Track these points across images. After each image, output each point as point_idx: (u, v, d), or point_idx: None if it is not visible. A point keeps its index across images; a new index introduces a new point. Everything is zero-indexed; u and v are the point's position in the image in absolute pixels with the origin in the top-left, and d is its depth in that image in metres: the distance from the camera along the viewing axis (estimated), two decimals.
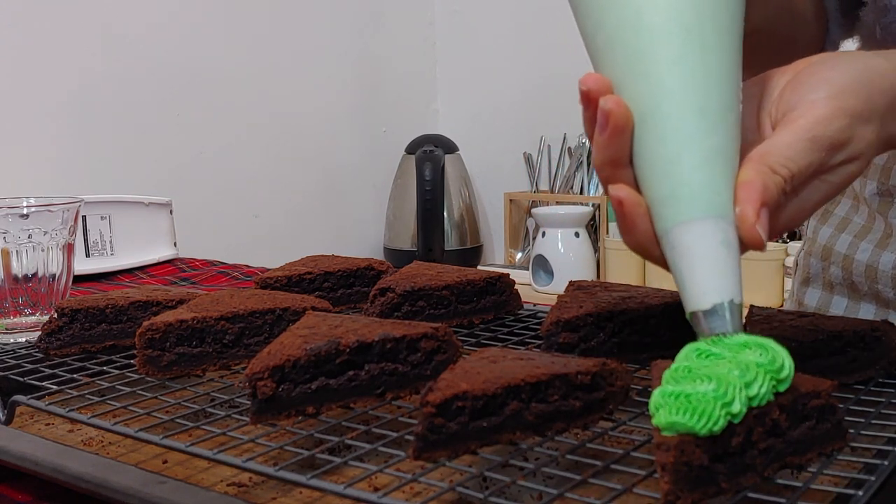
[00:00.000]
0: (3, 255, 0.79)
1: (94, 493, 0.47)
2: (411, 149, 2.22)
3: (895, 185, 0.78)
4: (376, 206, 2.28)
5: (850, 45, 0.76)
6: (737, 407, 0.38)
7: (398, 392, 0.54)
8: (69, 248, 0.83)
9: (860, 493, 0.40)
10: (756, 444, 0.40)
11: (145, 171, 1.73)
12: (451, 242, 2.23)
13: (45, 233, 0.80)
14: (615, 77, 0.46)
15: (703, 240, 0.43)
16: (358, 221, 2.26)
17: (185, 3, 1.82)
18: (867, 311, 0.80)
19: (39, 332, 0.68)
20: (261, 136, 1.99)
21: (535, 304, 0.80)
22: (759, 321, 0.59)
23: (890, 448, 0.45)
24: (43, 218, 0.80)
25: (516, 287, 0.77)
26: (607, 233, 2.05)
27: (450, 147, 2.25)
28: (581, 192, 2.19)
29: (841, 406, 0.45)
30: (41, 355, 0.67)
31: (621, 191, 0.45)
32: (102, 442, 0.57)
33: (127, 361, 0.65)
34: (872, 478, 0.41)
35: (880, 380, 0.56)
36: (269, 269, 0.86)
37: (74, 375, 0.62)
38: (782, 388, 0.40)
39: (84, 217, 1.26)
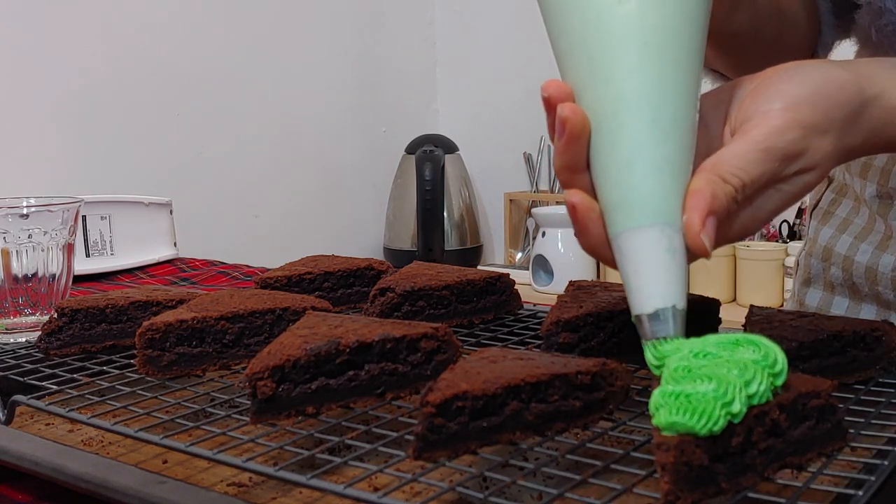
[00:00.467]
0: (3, 255, 0.79)
1: (94, 493, 0.47)
2: (411, 149, 2.22)
3: (895, 187, 0.77)
4: (376, 206, 2.28)
5: (844, 46, 0.76)
6: (737, 407, 0.38)
7: (398, 392, 0.54)
8: (69, 248, 0.83)
9: (860, 493, 0.40)
10: (756, 444, 0.40)
11: (145, 171, 1.73)
12: (451, 242, 2.23)
13: (45, 233, 0.80)
14: (576, 83, 0.47)
15: (649, 246, 0.44)
16: (358, 221, 2.26)
17: (185, 3, 1.82)
18: (868, 312, 0.80)
19: (39, 332, 0.68)
20: (261, 136, 1.99)
21: (535, 304, 0.80)
22: (759, 321, 0.59)
23: (890, 448, 0.45)
24: (43, 218, 0.80)
25: (516, 287, 0.77)
26: None
27: (450, 147, 2.25)
28: None
29: (841, 406, 0.45)
30: (41, 355, 0.67)
31: (575, 196, 0.46)
32: (102, 442, 0.57)
33: (127, 361, 0.65)
34: (872, 478, 0.41)
35: (880, 380, 0.56)
36: (269, 269, 0.86)
37: (74, 375, 0.62)
38: (779, 383, 0.41)
39: (84, 217, 1.26)
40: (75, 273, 0.86)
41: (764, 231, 1.98)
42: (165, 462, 0.52)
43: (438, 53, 2.46)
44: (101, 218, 1.29)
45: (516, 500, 0.46)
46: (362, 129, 2.25)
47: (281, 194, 2.05)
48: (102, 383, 0.60)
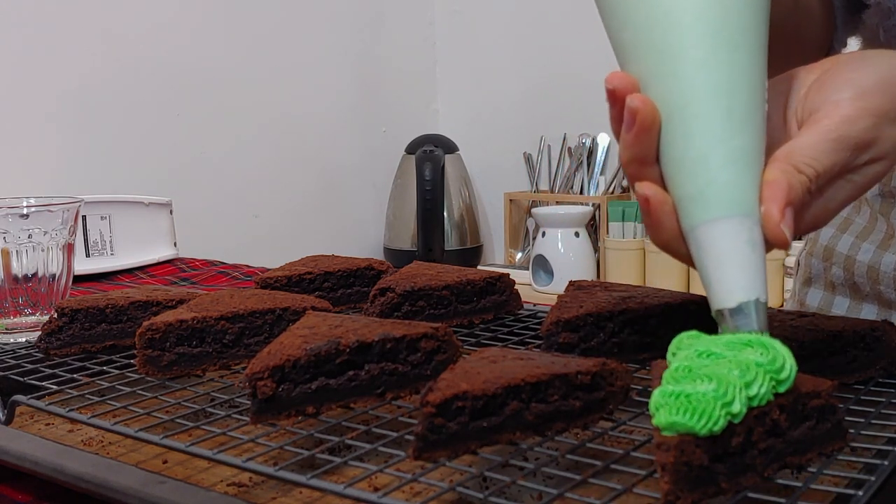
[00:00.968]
0: (3, 255, 0.79)
1: (94, 493, 0.47)
2: (411, 149, 2.22)
3: None
4: (376, 206, 2.28)
5: (854, 44, 0.76)
6: (737, 407, 0.38)
7: (398, 392, 0.54)
8: (69, 248, 0.83)
9: (860, 493, 0.40)
10: (756, 444, 0.40)
11: (145, 171, 1.73)
12: (451, 242, 2.23)
13: (45, 233, 0.80)
14: (642, 75, 0.46)
15: (729, 238, 0.44)
16: (358, 221, 2.26)
17: (185, 3, 1.82)
18: (869, 312, 0.80)
19: (39, 332, 0.68)
20: (261, 136, 1.99)
21: (535, 304, 0.80)
22: None
23: (890, 448, 0.45)
24: (43, 218, 0.80)
25: (516, 287, 0.77)
26: (607, 233, 2.05)
27: (450, 147, 2.25)
28: (581, 192, 2.19)
29: (841, 406, 0.45)
30: (41, 355, 0.67)
31: (648, 189, 0.45)
32: (102, 442, 0.57)
33: (127, 361, 0.65)
34: (872, 478, 0.41)
35: (880, 380, 0.56)
36: (269, 269, 0.86)
37: (74, 375, 0.62)
38: (782, 389, 0.40)
39: (84, 217, 1.26)
40: (75, 273, 0.86)
41: None
42: (165, 462, 0.52)
43: (438, 53, 2.46)
44: (101, 218, 1.29)
45: (516, 500, 0.46)
46: (362, 129, 2.25)
47: (281, 194, 2.05)
48: (102, 383, 0.60)
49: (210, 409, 0.54)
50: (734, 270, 0.43)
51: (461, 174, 2.26)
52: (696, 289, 0.69)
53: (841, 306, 0.83)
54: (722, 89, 0.45)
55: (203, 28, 1.86)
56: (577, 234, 2.03)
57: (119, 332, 0.69)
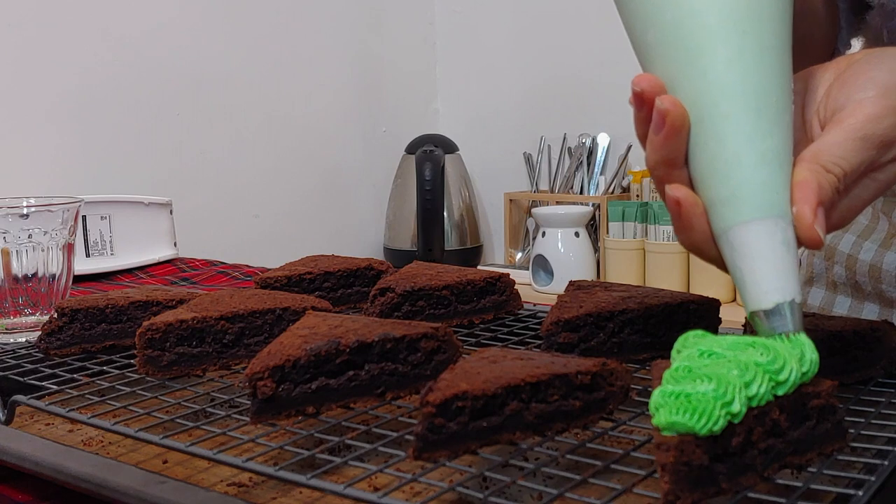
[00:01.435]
0: (3, 255, 0.79)
1: (94, 493, 0.47)
2: (411, 149, 2.22)
3: None
4: (376, 206, 2.28)
5: (857, 46, 0.76)
6: (737, 407, 0.38)
7: (398, 392, 0.54)
8: (69, 248, 0.83)
9: (860, 493, 0.40)
10: (756, 444, 0.40)
11: (145, 171, 1.73)
12: (451, 242, 2.23)
13: (45, 233, 0.80)
14: (668, 76, 0.46)
15: (764, 239, 0.43)
16: (358, 221, 2.26)
17: (185, 3, 1.82)
18: (871, 311, 0.80)
19: (39, 332, 0.68)
20: (261, 136, 1.99)
21: (535, 304, 0.80)
22: None
23: (890, 448, 0.45)
24: (43, 218, 0.80)
25: (516, 287, 0.77)
26: (607, 233, 2.05)
27: (450, 147, 2.24)
28: (581, 192, 2.19)
29: (841, 406, 0.45)
30: (41, 355, 0.67)
31: (679, 191, 0.45)
32: (102, 442, 0.57)
33: (127, 361, 0.65)
34: (872, 478, 0.41)
35: (880, 380, 0.56)
36: (269, 269, 0.86)
37: (74, 375, 0.62)
38: (781, 392, 0.40)
39: (84, 217, 1.26)
40: (75, 273, 0.86)
41: None
42: (165, 462, 0.52)
43: (438, 53, 2.46)
44: (101, 218, 1.29)
45: (516, 500, 0.46)
46: (362, 129, 2.25)
47: (281, 194, 2.05)
48: (102, 383, 0.60)
49: (210, 409, 0.54)
50: (770, 272, 0.43)
51: (461, 174, 2.26)
52: (696, 289, 0.69)
53: (842, 306, 0.83)
54: (751, 89, 0.44)
55: (203, 28, 1.86)
56: (577, 234, 2.03)
57: (119, 332, 0.69)
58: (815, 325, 0.57)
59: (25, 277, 0.80)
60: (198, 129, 1.85)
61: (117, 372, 0.62)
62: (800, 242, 0.44)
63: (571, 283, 0.70)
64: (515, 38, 2.32)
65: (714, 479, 0.39)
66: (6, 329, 0.79)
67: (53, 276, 0.81)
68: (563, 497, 0.41)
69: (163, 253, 1.35)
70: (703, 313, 0.65)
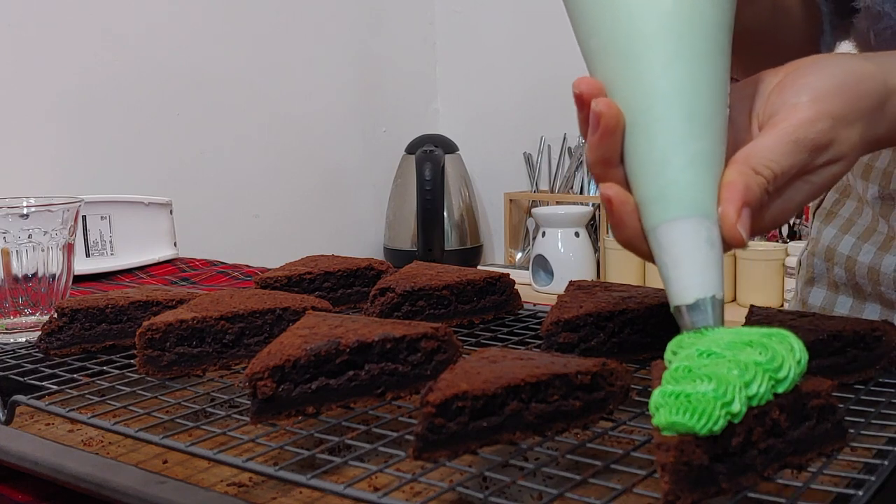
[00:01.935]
0: (3, 255, 0.79)
1: (94, 493, 0.47)
2: (411, 149, 2.22)
3: None
4: (376, 206, 2.28)
5: (845, 48, 0.76)
6: (737, 407, 0.38)
7: (398, 392, 0.54)
8: (69, 248, 0.83)
9: (860, 493, 0.40)
10: (756, 444, 0.40)
11: (145, 171, 1.73)
12: (451, 242, 2.23)
13: (45, 233, 0.80)
14: (608, 80, 0.48)
15: (687, 237, 0.45)
16: (358, 221, 2.26)
17: (185, 3, 1.82)
18: (872, 311, 0.80)
19: (39, 332, 0.68)
20: (261, 136, 1.99)
21: (535, 304, 0.80)
22: (758, 321, 0.59)
23: (890, 448, 0.45)
24: (43, 218, 0.80)
25: (516, 287, 0.77)
26: (607, 233, 2.05)
27: (450, 147, 2.25)
28: (581, 192, 2.19)
29: (841, 406, 0.45)
30: (41, 355, 0.67)
31: (611, 189, 0.47)
32: (102, 442, 0.57)
33: (127, 361, 0.65)
34: (872, 478, 0.41)
35: (880, 380, 0.56)
36: (269, 269, 0.86)
37: (74, 375, 0.62)
38: (781, 390, 0.41)
39: (84, 217, 1.26)
40: (75, 273, 0.86)
41: None
42: (165, 462, 0.52)
43: (438, 53, 2.46)
44: (101, 218, 1.29)
45: (516, 500, 0.46)
46: (362, 129, 2.25)
47: (281, 194, 2.05)
48: (102, 383, 0.60)
49: (210, 409, 0.54)
50: (691, 268, 0.45)
51: (461, 174, 2.26)
52: None
53: (844, 305, 0.83)
54: (684, 93, 0.46)
55: (203, 28, 1.86)
56: (577, 234, 2.03)
57: (119, 332, 0.69)
58: (816, 326, 0.57)
59: (25, 277, 0.80)
60: (198, 129, 1.85)
61: (117, 372, 0.62)
62: (724, 242, 0.46)
63: (571, 283, 0.70)
64: (515, 38, 2.32)
65: (714, 479, 0.39)
66: (6, 329, 0.79)
67: (53, 276, 0.81)
68: (563, 497, 0.41)
69: (163, 253, 1.35)
70: None
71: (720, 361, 0.40)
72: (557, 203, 2.18)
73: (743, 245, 0.45)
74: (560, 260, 2.01)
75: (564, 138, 2.24)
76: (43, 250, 0.80)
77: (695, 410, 0.38)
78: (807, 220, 1.90)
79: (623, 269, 2.00)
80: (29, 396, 0.56)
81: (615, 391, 0.50)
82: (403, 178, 2.23)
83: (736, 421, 0.39)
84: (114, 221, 1.30)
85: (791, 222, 1.97)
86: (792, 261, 1.77)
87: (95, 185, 1.56)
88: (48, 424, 0.61)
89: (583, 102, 0.47)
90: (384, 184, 2.27)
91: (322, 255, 0.86)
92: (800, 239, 1.91)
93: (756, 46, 0.69)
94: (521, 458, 0.45)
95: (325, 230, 2.17)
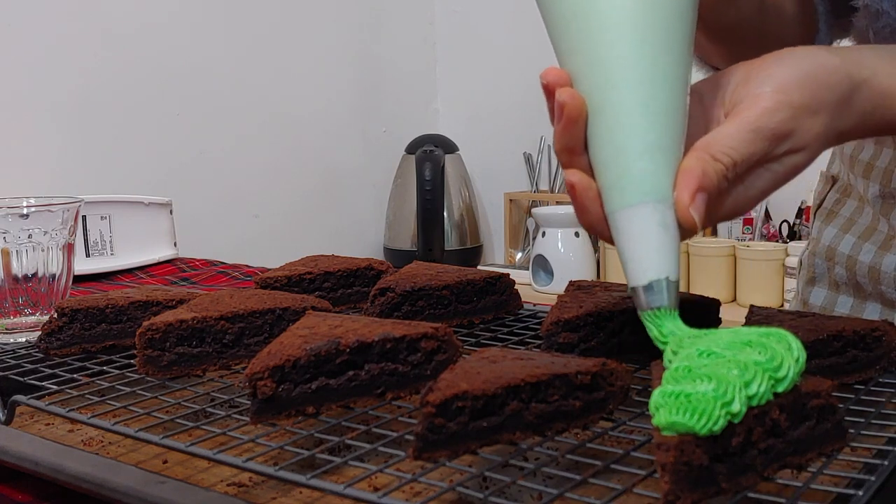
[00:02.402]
0: (3, 255, 0.79)
1: (94, 493, 0.47)
2: (411, 149, 2.22)
3: None
4: (376, 206, 2.28)
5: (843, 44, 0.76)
6: (736, 406, 0.38)
7: (398, 392, 0.54)
8: (69, 248, 0.83)
9: (860, 493, 0.40)
10: (756, 444, 0.40)
11: (145, 171, 1.73)
12: (451, 242, 2.23)
13: (45, 233, 0.80)
14: (573, 70, 0.50)
15: (643, 222, 0.47)
16: (358, 221, 2.26)
17: (185, 3, 1.82)
18: (873, 311, 0.80)
19: (39, 332, 0.68)
20: (261, 136, 1.99)
21: (535, 304, 0.80)
22: (758, 321, 0.59)
23: (890, 448, 0.45)
24: (43, 218, 0.80)
25: (516, 287, 0.77)
26: None
27: (450, 147, 2.25)
28: None
29: (841, 406, 0.45)
30: (41, 355, 0.67)
31: (574, 175, 0.49)
32: (102, 442, 0.57)
33: (127, 361, 0.65)
34: (872, 478, 0.41)
35: (880, 380, 0.56)
36: (269, 269, 0.86)
37: (74, 375, 0.62)
38: (781, 389, 0.40)
39: (84, 217, 1.26)
40: (75, 273, 0.86)
41: (764, 231, 1.98)
42: (165, 462, 0.52)
43: (438, 53, 2.46)
44: (101, 218, 1.29)
45: (516, 500, 0.46)
46: (362, 129, 2.25)
47: (281, 194, 2.05)
48: (102, 383, 0.60)
49: (210, 409, 0.54)
50: (646, 251, 0.47)
51: (461, 174, 2.26)
52: (696, 289, 0.69)
53: (845, 305, 0.83)
54: (641, 84, 0.47)
55: (203, 28, 1.86)
56: (577, 234, 2.03)
57: (119, 332, 0.69)
58: (816, 326, 0.57)
59: (25, 277, 0.80)
60: (198, 129, 1.85)
61: (117, 372, 0.62)
62: (680, 227, 0.47)
63: (571, 283, 0.70)
64: (515, 38, 2.32)
65: (714, 479, 0.39)
66: (6, 329, 0.79)
67: (53, 276, 0.81)
68: (563, 497, 0.41)
69: (163, 253, 1.35)
70: (703, 313, 0.65)
71: (720, 361, 0.40)
72: (557, 203, 2.18)
73: (696, 229, 0.47)
74: (560, 260, 2.01)
75: None
76: (43, 250, 0.80)
77: (695, 410, 0.38)
78: (807, 220, 1.91)
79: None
80: (29, 396, 0.56)
81: (615, 391, 0.50)
82: (403, 178, 2.23)
83: (736, 421, 0.39)
84: (114, 221, 1.30)
85: (791, 222, 1.97)
86: (792, 261, 1.77)
87: (95, 185, 1.56)
88: (48, 424, 0.61)
89: (549, 92, 0.49)
90: (384, 184, 2.27)
91: (322, 255, 0.86)
92: (800, 239, 1.91)
93: (747, 42, 0.69)
94: (521, 458, 0.45)
95: (325, 230, 2.17)
